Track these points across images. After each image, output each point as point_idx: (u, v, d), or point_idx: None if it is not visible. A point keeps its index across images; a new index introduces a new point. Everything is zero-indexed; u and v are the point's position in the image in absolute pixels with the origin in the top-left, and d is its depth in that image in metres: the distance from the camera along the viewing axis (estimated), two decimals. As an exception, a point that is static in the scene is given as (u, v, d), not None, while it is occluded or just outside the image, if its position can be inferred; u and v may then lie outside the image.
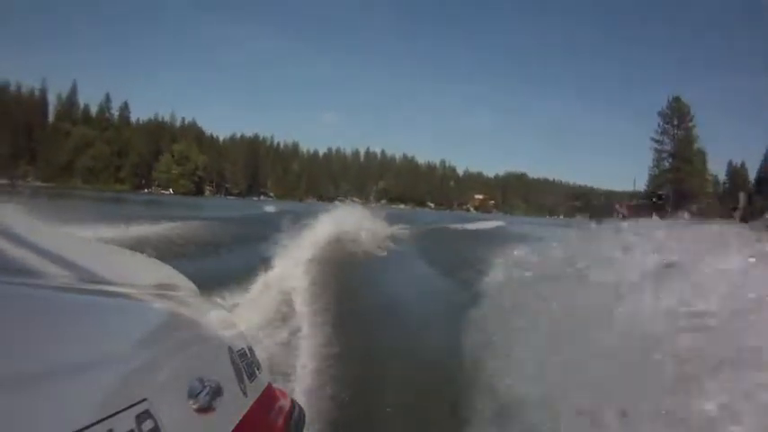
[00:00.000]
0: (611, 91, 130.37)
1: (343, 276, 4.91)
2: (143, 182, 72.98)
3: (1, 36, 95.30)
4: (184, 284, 1.09)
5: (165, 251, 5.41)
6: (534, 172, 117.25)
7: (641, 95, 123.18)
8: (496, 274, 3.81)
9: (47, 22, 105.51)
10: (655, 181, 63.32)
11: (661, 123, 61.65)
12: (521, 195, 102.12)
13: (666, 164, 62.58)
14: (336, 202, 10.18)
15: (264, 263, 4.75)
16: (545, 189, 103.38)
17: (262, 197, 74.50)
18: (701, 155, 62.72)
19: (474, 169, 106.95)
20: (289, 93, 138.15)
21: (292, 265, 4.71)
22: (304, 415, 1.20)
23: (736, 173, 68.46)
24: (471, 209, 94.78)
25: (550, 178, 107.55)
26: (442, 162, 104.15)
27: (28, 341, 0.49)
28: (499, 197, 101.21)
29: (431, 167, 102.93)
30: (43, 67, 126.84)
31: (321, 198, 77.12)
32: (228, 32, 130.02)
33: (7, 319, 0.49)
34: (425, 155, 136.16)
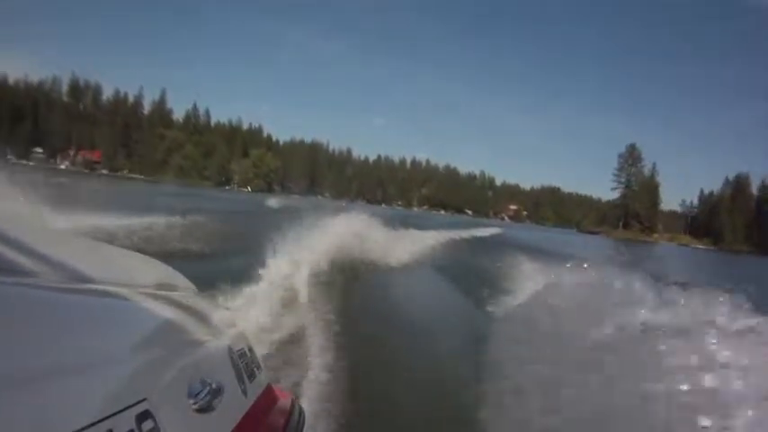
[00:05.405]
0: (654, 112, 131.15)
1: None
2: (224, 179, 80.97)
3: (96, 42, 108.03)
4: (184, 284, 1.08)
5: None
6: (569, 186, 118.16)
7: (678, 120, 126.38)
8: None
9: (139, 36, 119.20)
10: (612, 202, 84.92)
11: (620, 161, 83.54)
12: (552, 208, 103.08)
13: (620, 191, 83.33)
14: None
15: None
16: (576, 203, 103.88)
17: (319, 197, 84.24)
18: (654, 186, 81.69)
19: (512, 181, 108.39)
20: (342, 95, 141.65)
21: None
22: (304, 415, 1.19)
23: (704, 199, 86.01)
24: (506, 218, 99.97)
25: (582, 193, 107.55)
26: (482, 173, 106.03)
27: (27, 341, 0.47)
28: (531, 209, 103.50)
29: (471, 177, 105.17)
30: (135, 77, 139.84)
31: (369, 201, 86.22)
32: (285, 34, 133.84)
33: (7, 320, 0.47)
34: (467, 164, 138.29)
